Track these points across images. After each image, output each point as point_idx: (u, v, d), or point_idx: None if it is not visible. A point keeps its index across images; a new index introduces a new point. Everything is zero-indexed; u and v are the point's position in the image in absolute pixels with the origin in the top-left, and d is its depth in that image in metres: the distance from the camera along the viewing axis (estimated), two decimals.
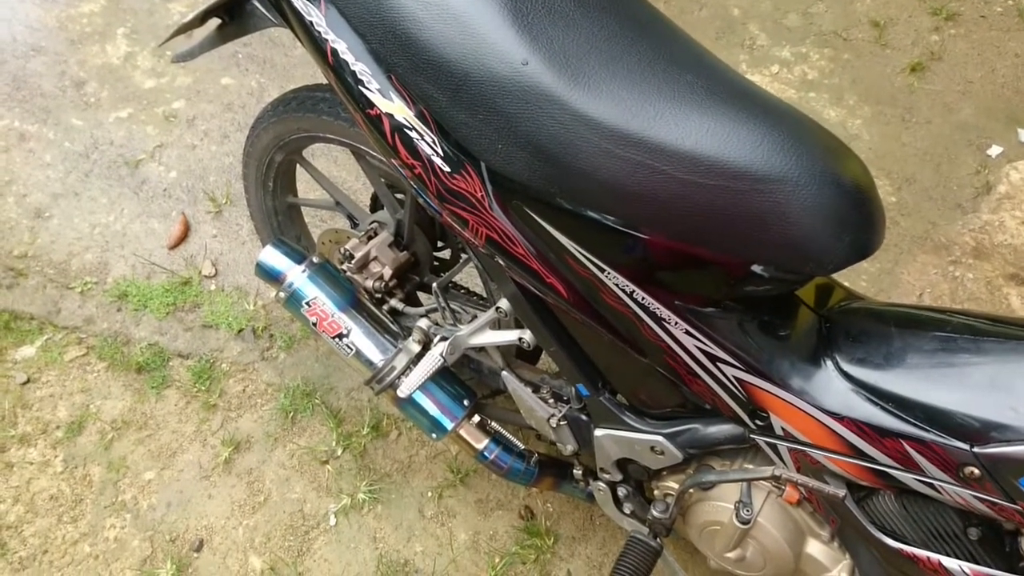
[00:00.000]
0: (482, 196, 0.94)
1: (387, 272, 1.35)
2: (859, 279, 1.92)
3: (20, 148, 2.14)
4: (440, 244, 1.42)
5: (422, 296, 1.52)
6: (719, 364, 0.94)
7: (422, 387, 1.24)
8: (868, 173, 0.86)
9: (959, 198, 2.06)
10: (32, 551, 1.56)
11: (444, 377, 1.30)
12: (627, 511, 1.28)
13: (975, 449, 0.81)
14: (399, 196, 1.38)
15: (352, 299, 1.31)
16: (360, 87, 0.98)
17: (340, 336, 1.28)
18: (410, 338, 1.28)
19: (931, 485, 0.86)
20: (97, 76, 2.30)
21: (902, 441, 0.86)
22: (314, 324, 1.30)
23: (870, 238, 0.85)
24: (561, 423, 1.20)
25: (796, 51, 2.39)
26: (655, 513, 1.13)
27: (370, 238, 1.37)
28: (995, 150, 2.14)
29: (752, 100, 0.85)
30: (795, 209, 0.80)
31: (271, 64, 2.35)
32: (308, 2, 1.00)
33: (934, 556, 0.92)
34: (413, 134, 0.96)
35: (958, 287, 1.90)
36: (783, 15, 2.49)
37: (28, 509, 1.61)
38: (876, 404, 0.88)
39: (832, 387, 0.91)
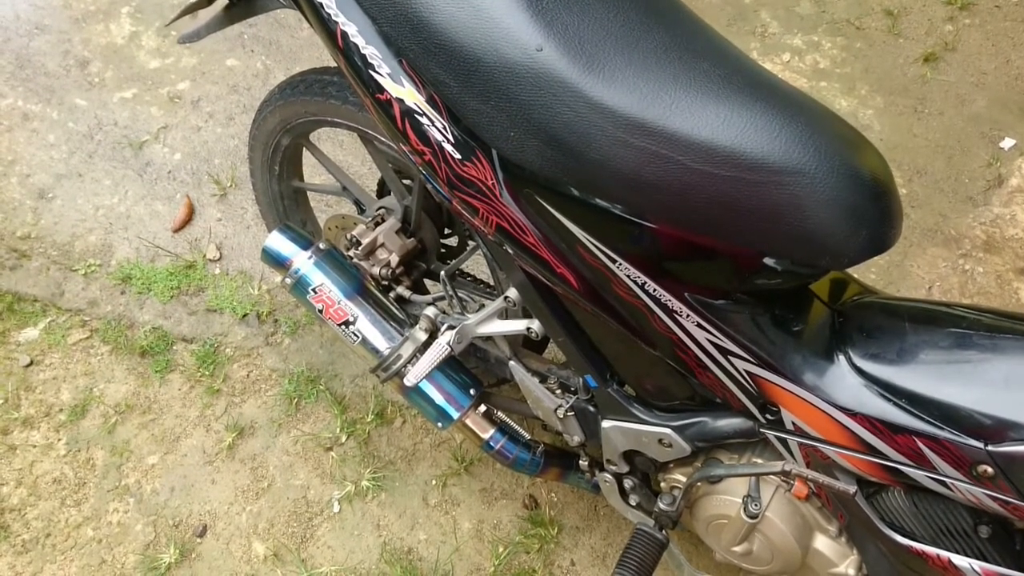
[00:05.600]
0: (493, 184, 0.93)
1: (394, 259, 1.34)
2: (868, 272, 1.90)
3: (24, 128, 2.12)
4: (447, 231, 1.41)
5: (429, 284, 1.50)
6: (730, 357, 0.93)
7: (428, 376, 1.23)
8: (887, 166, 0.84)
9: (970, 191, 2.04)
10: (35, 534, 1.56)
11: (450, 366, 1.29)
12: (633, 503, 1.28)
13: (989, 448, 0.80)
14: (406, 182, 1.36)
15: (359, 286, 1.30)
16: (370, 71, 0.96)
17: (346, 323, 1.27)
18: (417, 326, 1.27)
19: (943, 483, 0.85)
20: (101, 56, 2.28)
21: (915, 438, 0.85)
22: (320, 311, 1.29)
23: (887, 233, 0.83)
24: (568, 414, 1.19)
25: (808, 39, 2.37)
26: (662, 506, 1.13)
27: (377, 224, 1.36)
28: (1008, 143, 2.12)
29: (770, 90, 0.83)
30: (812, 202, 0.79)
31: (277, 46, 2.33)
32: None
33: (944, 553, 0.91)
34: (423, 120, 0.94)
35: (968, 281, 1.89)
36: (795, 2, 2.45)
37: (31, 492, 1.61)
38: (889, 400, 0.87)
39: (845, 382, 0.90)
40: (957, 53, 2.31)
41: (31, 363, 1.77)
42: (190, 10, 1.33)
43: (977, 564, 0.89)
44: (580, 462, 1.33)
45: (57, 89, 2.20)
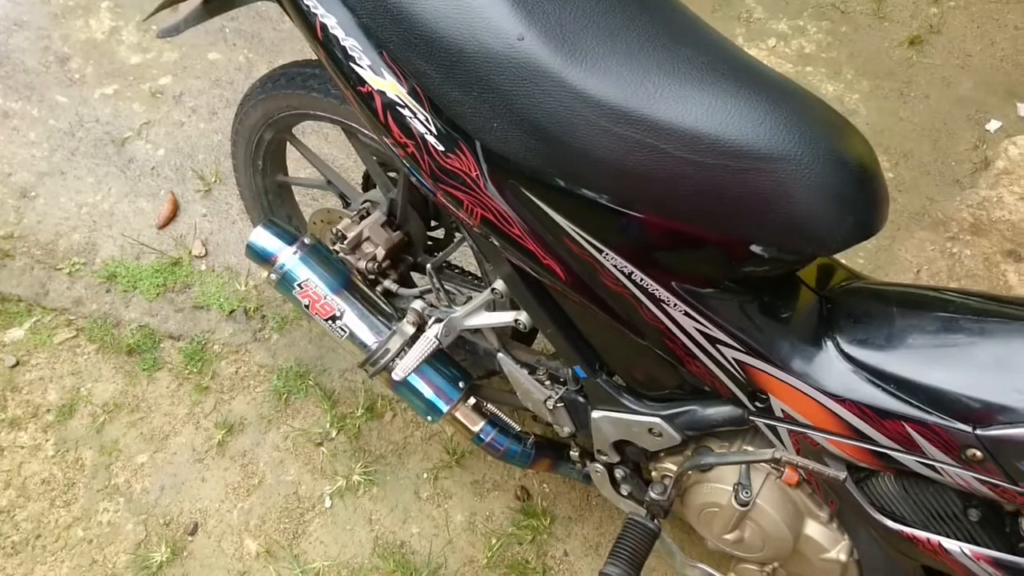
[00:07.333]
0: (477, 176, 0.92)
1: (380, 252, 1.33)
2: (856, 256, 1.91)
3: (4, 126, 2.09)
4: (434, 224, 1.40)
5: (416, 277, 1.50)
6: (718, 346, 0.93)
7: (417, 369, 1.23)
8: (872, 151, 0.84)
9: (957, 173, 2.04)
10: (25, 535, 1.55)
11: (439, 359, 1.28)
12: (624, 493, 1.28)
13: (978, 431, 0.80)
14: (391, 175, 1.35)
15: (345, 280, 1.29)
16: (351, 63, 0.95)
17: (333, 318, 1.26)
18: (404, 320, 1.26)
19: (932, 467, 0.85)
20: (81, 51, 2.25)
21: (904, 423, 0.85)
22: (307, 306, 1.28)
23: (874, 218, 0.83)
24: (558, 405, 1.19)
25: (793, 24, 2.36)
26: (653, 495, 1.12)
27: (362, 218, 1.35)
28: (994, 125, 2.12)
29: (754, 76, 0.83)
30: (798, 188, 0.78)
31: (259, 39, 2.30)
32: None
33: (934, 537, 0.91)
34: (406, 112, 0.93)
35: (956, 264, 1.89)
36: None
37: (20, 493, 1.60)
38: (877, 386, 0.87)
39: (833, 369, 0.89)
40: (942, 36, 2.31)
41: (17, 364, 1.75)
42: (169, 4, 1.31)
43: (967, 547, 0.89)
44: (571, 453, 1.33)
45: (37, 86, 2.17)
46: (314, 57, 1.19)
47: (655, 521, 1.14)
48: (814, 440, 0.93)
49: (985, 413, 0.81)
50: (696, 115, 0.78)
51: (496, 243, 0.99)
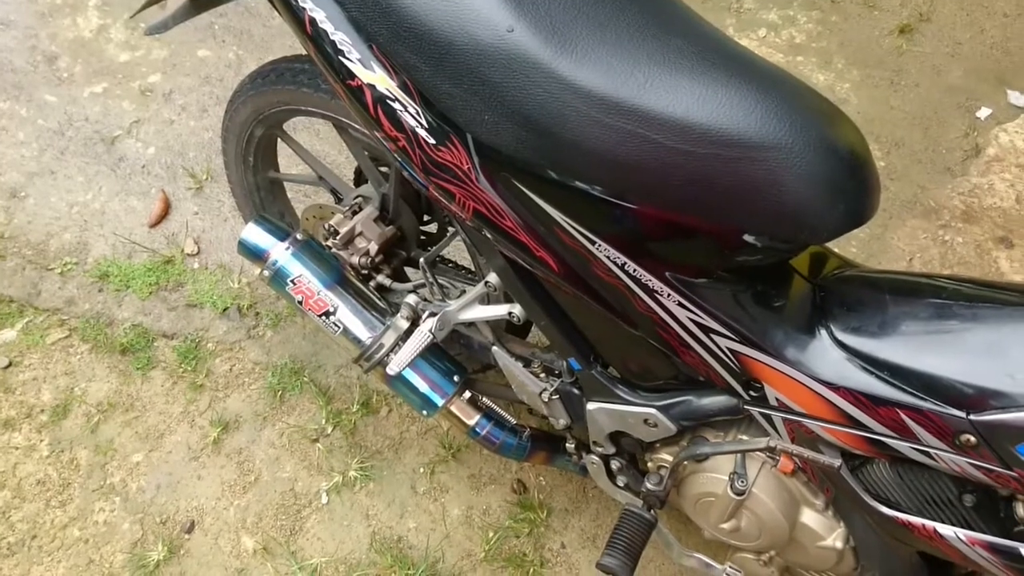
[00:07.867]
0: (468, 168, 0.92)
1: (373, 247, 1.33)
2: (849, 245, 1.91)
3: None
4: (426, 218, 1.40)
5: (409, 271, 1.49)
6: (712, 335, 0.93)
7: (411, 364, 1.22)
8: (863, 139, 0.84)
9: (948, 161, 2.04)
10: (21, 536, 1.55)
11: (433, 353, 1.28)
12: (621, 484, 1.28)
13: (971, 417, 0.81)
14: (383, 169, 1.35)
15: (338, 276, 1.29)
16: (340, 57, 0.95)
17: (327, 314, 1.26)
18: (398, 314, 1.26)
19: (927, 453, 0.86)
20: (69, 50, 2.24)
21: (898, 410, 0.85)
22: (300, 302, 1.27)
23: (865, 205, 0.83)
24: (553, 397, 1.19)
25: (783, 14, 2.36)
26: (649, 485, 1.13)
27: (355, 213, 1.35)
28: (984, 112, 2.12)
29: (744, 65, 0.83)
30: (789, 177, 0.78)
31: (248, 35, 2.29)
32: None
33: (929, 523, 0.91)
34: (396, 105, 0.93)
35: (948, 251, 1.90)
36: None
37: (15, 494, 1.59)
38: (871, 373, 0.87)
39: (827, 356, 0.90)
40: (932, 24, 2.32)
41: (10, 364, 1.74)
42: (156, 0, 1.30)
43: (962, 532, 0.89)
44: (567, 445, 1.33)
45: (25, 86, 2.16)
46: (304, 52, 1.18)
47: (652, 512, 1.15)
48: (809, 428, 0.93)
49: (978, 398, 0.81)
50: (687, 105, 0.78)
51: (489, 236, 0.99)
